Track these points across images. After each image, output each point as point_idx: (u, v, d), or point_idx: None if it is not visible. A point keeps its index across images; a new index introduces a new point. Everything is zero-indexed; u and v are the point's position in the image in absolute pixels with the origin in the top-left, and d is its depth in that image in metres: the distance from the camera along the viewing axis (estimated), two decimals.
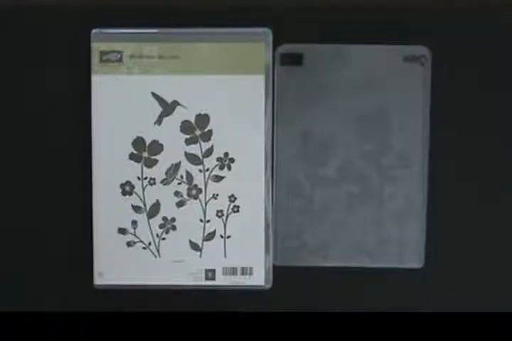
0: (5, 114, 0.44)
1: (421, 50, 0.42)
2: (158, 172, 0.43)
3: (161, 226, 0.43)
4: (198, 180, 0.43)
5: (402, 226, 0.43)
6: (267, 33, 0.42)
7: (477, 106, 0.43)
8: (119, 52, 0.42)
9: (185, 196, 0.43)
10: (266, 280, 0.43)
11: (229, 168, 0.43)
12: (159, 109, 0.42)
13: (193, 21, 0.42)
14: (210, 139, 0.42)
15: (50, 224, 0.44)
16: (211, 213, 0.43)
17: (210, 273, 0.43)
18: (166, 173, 0.43)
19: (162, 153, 0.43)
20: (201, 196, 0.43)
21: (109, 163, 0.43)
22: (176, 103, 0.42)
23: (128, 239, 0.43)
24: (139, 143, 0.42)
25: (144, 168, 0.43)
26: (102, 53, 0.42)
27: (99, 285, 0.43)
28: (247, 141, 0.42)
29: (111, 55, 0.42)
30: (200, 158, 0.43)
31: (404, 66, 0.42)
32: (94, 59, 0.42)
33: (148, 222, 0.43)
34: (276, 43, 0.42)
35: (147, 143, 0.42)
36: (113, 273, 0.43)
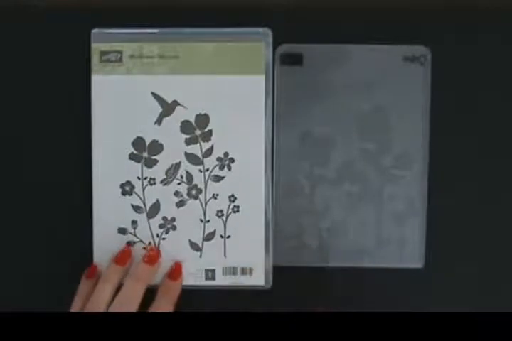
0: (5, 114, 0.44)
1: (421, 50, 0.42)
2: (158, 172, 0.43)
3: (161, 226, 0.43)
4: (198, 180, 0.43)
5: (402, 226, 0.43)
6: (266, 33, 0.42)
7: (477, 106, 0.43)
8: (119, 52, 0.42)
9: (185, 196, 0.43)
10: (266, 280, 0.43)
11: (229, 168, 0.43)
12: (159, 109, 0.42)
13: (192, 21, 0.42)
14: (210, 139, 0.42)
15: (50, 224, 0.44)
16: (211, 213, 0.43)
17: (210, 273, 0.43)
18: (166, 173, 0.43)
19: (162, 153, 0.43)
20: (201, 196, 0.43)
21: (109, 163, 0.43)
22: (175, 103, 0.42)
23: (128, 239, 0.43)
24: (139, 143, 0.42)
25: (144, 168, 0.43)
26: (102, 53, 0.42)
27: None
28: (247, 141, 0.42)
29: (111, 55, 0.42)
30: (200, 158, 0.43)
31: (404, 66, 0.42)
32: (94, 59, 0.42)
33: (148, 222, 0.43)
34: (276, 43, 0.42)
35: (147, 143, 0.42)
36: None
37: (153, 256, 0.42)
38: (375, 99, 0.43)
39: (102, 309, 0.39)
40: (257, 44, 0.42)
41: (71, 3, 0.43)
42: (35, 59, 0.43)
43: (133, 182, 0.43)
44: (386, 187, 0.43)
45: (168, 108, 0.42)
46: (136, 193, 0.43)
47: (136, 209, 0.43)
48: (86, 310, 0.40)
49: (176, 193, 0.43)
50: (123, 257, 0.42)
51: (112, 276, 0.41)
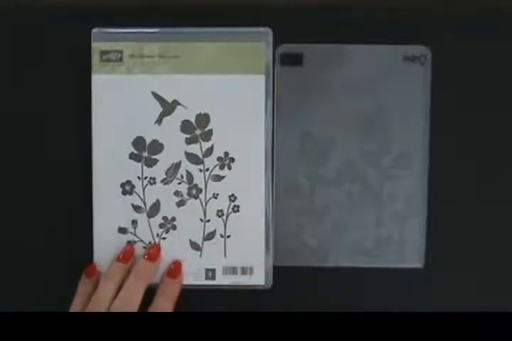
0: (5, 114, 0.44)
1: (421, 50, 0.42)
2: (158, 171, 0.43)
3: (161, 226, 0.43)
4: (198, 179, 0.43)
5: (402, 226, 0.43)
6: (266, 32, 0.42)
7: (477, 106, 0.43)
8: (119, 51, 0.42)
9: (185, 196, 0.43)
10: (266, 280, 0.43)
11: (229, 168, 0.43)
12: (159, 109, 0.42)
13: (193, 21, 0.42)
14: (210, 139, 0.42)
15: (50, 224, 0.44)
16: (211, 213, 0.43)
17: (210, 273, 0.43)
18: (166, 173, 0.43)
19: (162, 152, 0.43)
20: (201, 196, 0.43)
21: (109, 162, 0.43)
22: (176, 102, 0.42)
23: (128, 239, 0.43)
24: (139, 142, 0.42)
25: (144, 168, 0.43)
26: (103, 53, 0.42)
27: None
28: (247, 141, 0.42)
29: (111, 55, 0.42)
30: (201, 157, 0.43)
31: (404, 66, 0.42)
32: (95, 58, 0.42)
33: (149, 222, 0.43)
34: (276, 43, 0.42)
35: (147, 143, 0.42)
36: None
37: (153, 253, 0.42)
38: (375, 99, 0.43)
39: (104, 306, 0.39)
40: (257, 44, 0.42)
41: (71, 3, 0.43)
42: (35, 59, 0.43)
43: (133, 182, 0.43)
44: (386, 187, 0.43)
45: (168, 107, 0.42)
46: (136, 193, 0.43)
47: (137, 208, 0.43)
48: (88, 308, 0.39)
49: (176, 193, 0.43)
50: (126, 254, 0.42)
51: (115, 273, 0.41)
